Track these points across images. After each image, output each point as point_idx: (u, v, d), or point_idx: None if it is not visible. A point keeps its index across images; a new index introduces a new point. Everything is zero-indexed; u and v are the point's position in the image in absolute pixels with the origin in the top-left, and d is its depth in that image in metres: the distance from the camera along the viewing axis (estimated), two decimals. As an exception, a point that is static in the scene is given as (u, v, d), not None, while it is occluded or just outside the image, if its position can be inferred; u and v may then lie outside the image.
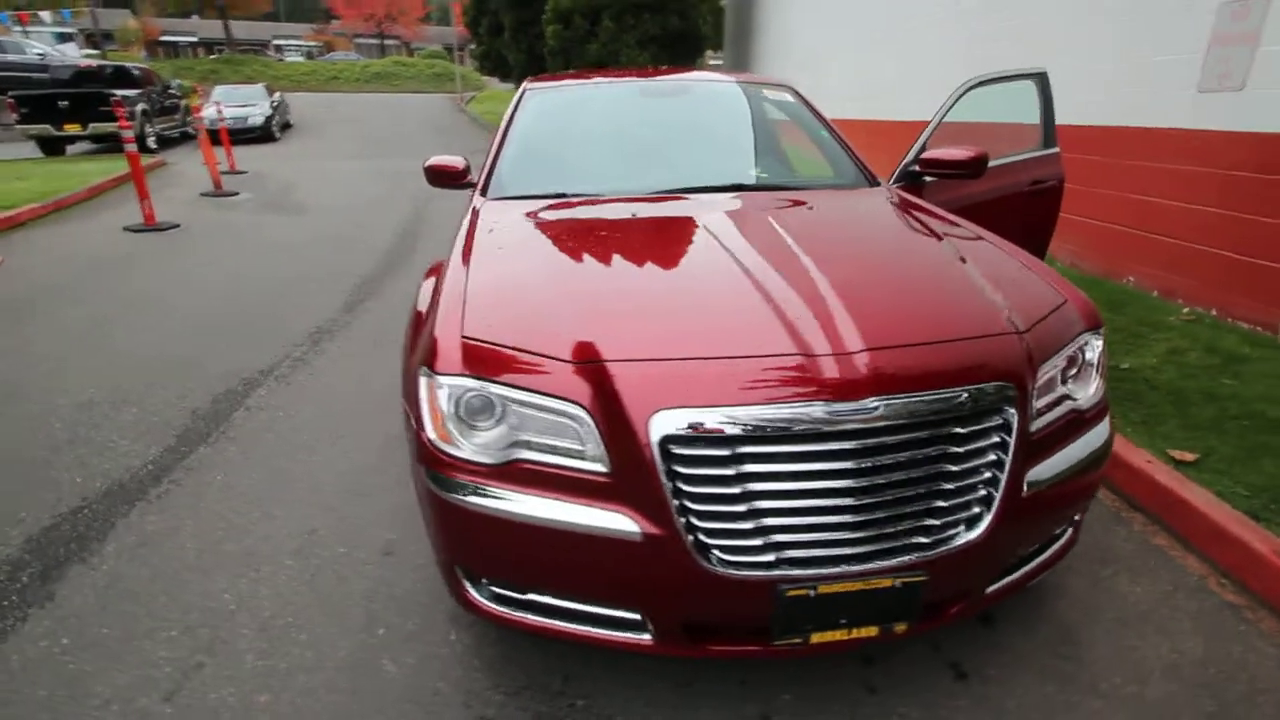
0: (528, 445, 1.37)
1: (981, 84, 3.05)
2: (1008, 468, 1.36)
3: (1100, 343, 1.64)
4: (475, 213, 2.28)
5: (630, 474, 1.28)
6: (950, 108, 2.97)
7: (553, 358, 1.38)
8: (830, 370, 1.30)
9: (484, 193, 2.47)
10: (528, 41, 16.73)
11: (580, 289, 1.64)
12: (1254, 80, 3.30)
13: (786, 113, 3.01)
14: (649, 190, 2.38)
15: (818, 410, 1.26)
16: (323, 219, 7.41)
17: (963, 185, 2.86)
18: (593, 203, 2.31)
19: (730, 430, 1.26)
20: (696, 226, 2.04)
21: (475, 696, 1.61)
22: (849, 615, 1.34)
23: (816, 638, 1.35)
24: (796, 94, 3.05)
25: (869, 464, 1.28)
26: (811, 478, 1.28)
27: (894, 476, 1.30)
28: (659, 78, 3.00)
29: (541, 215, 2.20)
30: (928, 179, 2.78)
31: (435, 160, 2.62)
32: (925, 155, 2.66)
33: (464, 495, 1.39)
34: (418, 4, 47.18)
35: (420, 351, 1.52)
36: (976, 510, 1.36)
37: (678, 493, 1.27)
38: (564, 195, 2.36)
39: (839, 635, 1.36)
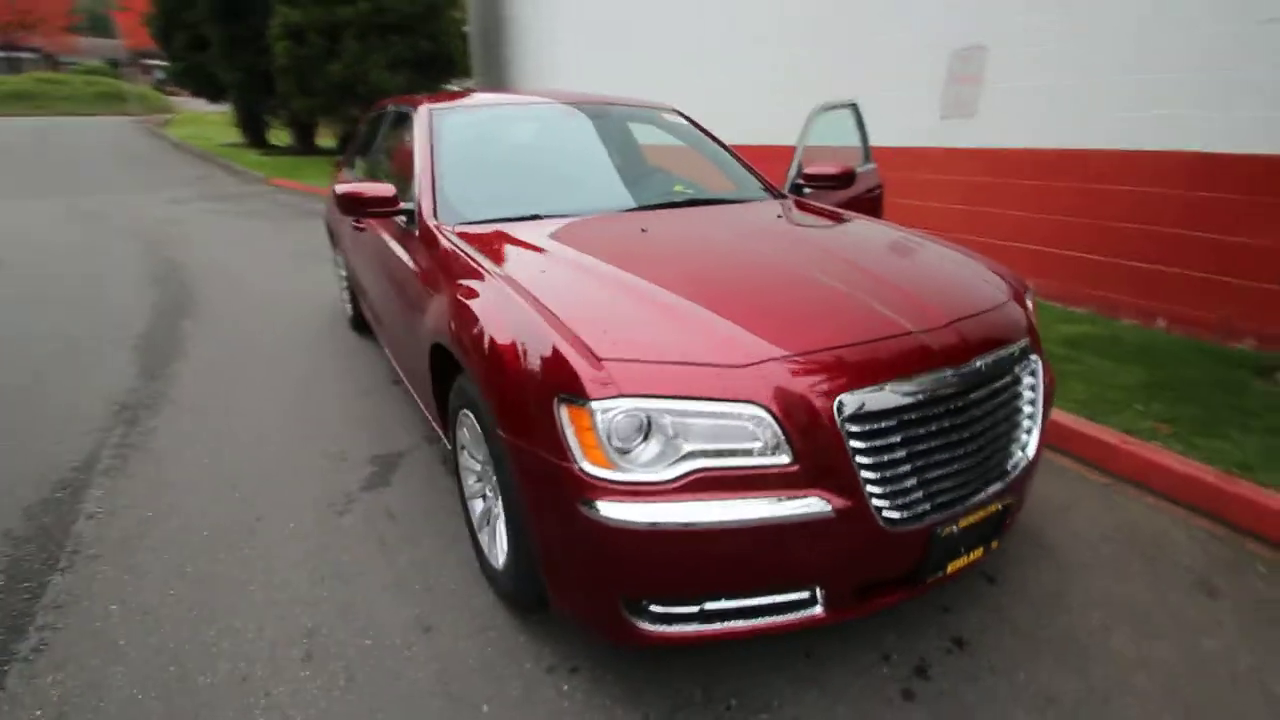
0: (701, 454, 1.37)
1: (824, 110, 3.65)
2: (1040, 399, 1.75)
3: (1031, 302, 2.15)
4: (447, 238, 2.12)
5: (817, 458, 1.37)
6: (807, 131, 3.51)
7: (714, 364, 1.41)
8: (939, 342, 1.54)
9: (435, 216, 2.28)
10: (247, 58, 14.78)
11: (668, 300, 1.65)
12: (982, 109, 4.43)
13: (683, 134, 3.26)
14: (617, 208, 2.44)
15: (948, 374, 1.50)
16: (35, 273, 5.82)
17: (830, 194, 3.40)
18: (581, 221, 2.29)
19: (894, 402, 1.43)
20: (717, 236, 2.16)
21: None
22: (968, 543, 1.59)
23: (950, 567, 1.59)
24: (686, 117, 3.32)
25: (979, 412, 1.55)
26: (944, 432, 1.51)
27: (994, 418, 1.59)
28: (563, 101, 3.03)
29: (548, 234, 2.12)
30: (807, 190, 3.26)
31: (351, 187, 2.33)
32: (807, 171, 3.12)
33: (638, 517, 1.34)
34: (60, 10, 38.40)
35: (548, 381, 1.42)
36: (1027, 437, 1.72)
37: (860, 466, 1.40)
38: (538, 216, 2.30)
39: (962, 561, 1.61)
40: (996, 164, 4.38)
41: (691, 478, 1.36)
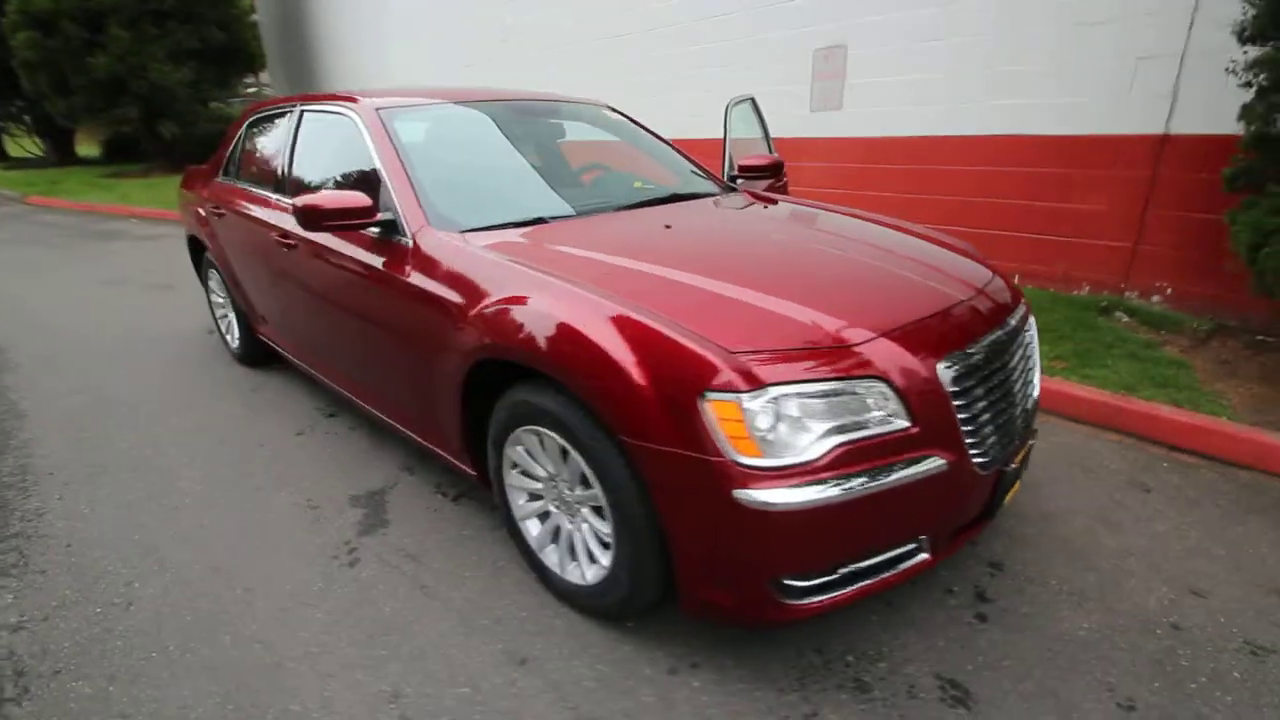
0: (838, 430, 1.45)
1: (737, 103, 3.86)
2: (1036, 346, 2.06)
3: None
4: (457, 248, 1.98)
5: (930, 420, 1.51)
6: (729, 125, 3.69)
7: (831, 347, 1.50)
8: (984, 306, 1.77)
9: (433, 226, 2.10)
10: (-30, 50, 11.98)
11: (745, 294, 1.66)
12: (850, 102, 4.94)
13: (620, 130, 3.26)
14: (609, 207, 2.41)
15: (1000, 333, 1.73)
16: None
17: (759, 183, 3.62)
18: (597, 222, 2.25)
19: (975, 361, 1.62)
20: (733, 229, 2.27)
21: (782, 705, 1.59)
22: (1017, 475, 1.85)
23: (1007, 498, 1.83)
24: (620, 112, 3.34)
25: (1015, 361, 1.80)
26: (1002, 383, 1.73)
27: (1023, 365, 1.85)
28: (498, 99, 2.88)
29: (575, 237, 2.08)
30: (740, 181, 3.44)
31: (313, 199, 2.08)
32: (741, 163, 3.30)
33: (793, 498, 1.40)
34: None
35: (689, 380, 1.41)
36: (1035, 377, 2.02)
37: (960, 422, 1.57)
38: (542, 219, 2.21)
39: (1012, 492, 1.86)
40: (870, 151, 4.91)
41: (834, 454, 1.44)
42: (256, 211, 2.99)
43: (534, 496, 1.97)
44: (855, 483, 1.44)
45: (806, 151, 5.21)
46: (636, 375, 1.47)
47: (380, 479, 2.63)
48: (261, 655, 1.79)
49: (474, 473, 2.15)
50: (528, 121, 2.89)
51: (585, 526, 1.81)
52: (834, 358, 1.49)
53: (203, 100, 12.07)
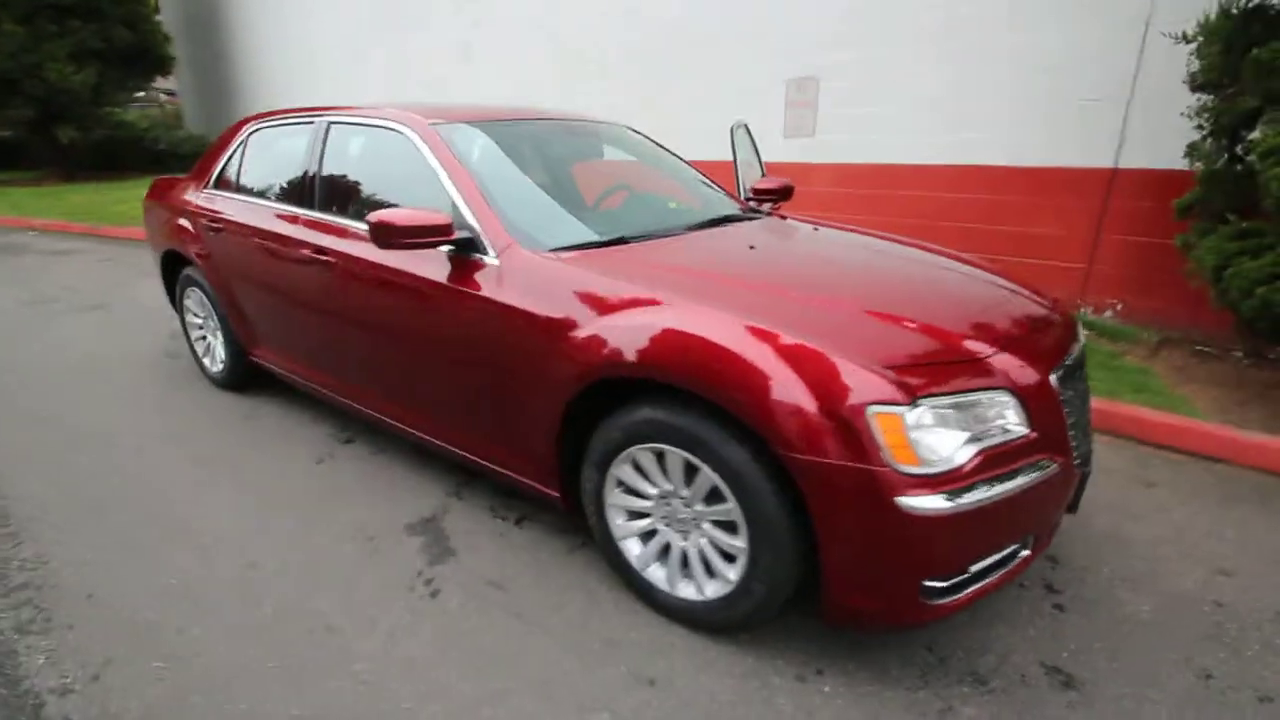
0: (977, 438, 1.56)
1: (738, 126, 4.00)
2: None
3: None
4: (556, 267, 1.97)
5: (1046, 425, 1.65)
6: (735, 148, 3.82)
7: (965, 361, 1.61)
8: (1066, 322, 1.96)
9: (521, 243, 2.07)
10: None
11: (863, 314, 1.75)
12: (823, 130, 5.22)
13: (644, 150, 3.31)
14: (678, 227, 2.45)
15: (1081, 344, 1.91)
16: None
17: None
18: (684, 242, 2.32)
19: (1069, 367, 1.79)
20: (810, 251, 2.41)
21: (916, 703, 1.66)
22: (1088, 474, 2.02)
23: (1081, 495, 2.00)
24: (641, 133, 3.39)
25: (1084, 371, 2.00)
26: (1082, 390, 1.91)
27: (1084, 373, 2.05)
28: (531, 117, 2.86)
29: (671, 255, 2.13)
30: (752, 204, 3.57)
31: (400, 217, 2.02)
32: (754, 186, 3.44)
33: (947, 503, 1.49)
34: None
35: (857, 395, 1.48)
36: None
37: (1067, 427, 1.72)
38: (624, 239, 2.22)
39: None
40: (841, 177, 5.20)
41: (975, 460, 1.54)
42: (273, 226, 2.81)
43: (635, 515, 1.97)
44: (996, 487, 1.55)
45: (779, 175, 5.44)
46: (798, 391, 1.52)
47: (428, 505, 2.52)
48: (378, 698, 1.69)
49: (555, 493, 2.12)
50: (570, 141, 2.90)
51: (704, 542, 1.83)
52: (969, 371, 1.60)
53: (104, 104, 11.08)
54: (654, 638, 1.88)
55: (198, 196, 3.31)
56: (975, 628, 1.93)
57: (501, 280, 2.03)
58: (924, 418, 1.50)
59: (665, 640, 1.87)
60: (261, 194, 3.00)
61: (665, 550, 1.93)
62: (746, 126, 4.35)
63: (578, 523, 2.34)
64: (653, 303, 1.78)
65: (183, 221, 3.35)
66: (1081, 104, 4.04)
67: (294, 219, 2.74)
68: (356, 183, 2.66)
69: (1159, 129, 3.76)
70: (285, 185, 2.88)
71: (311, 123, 2.81)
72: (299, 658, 1.81)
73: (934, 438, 1.51)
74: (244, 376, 3.43)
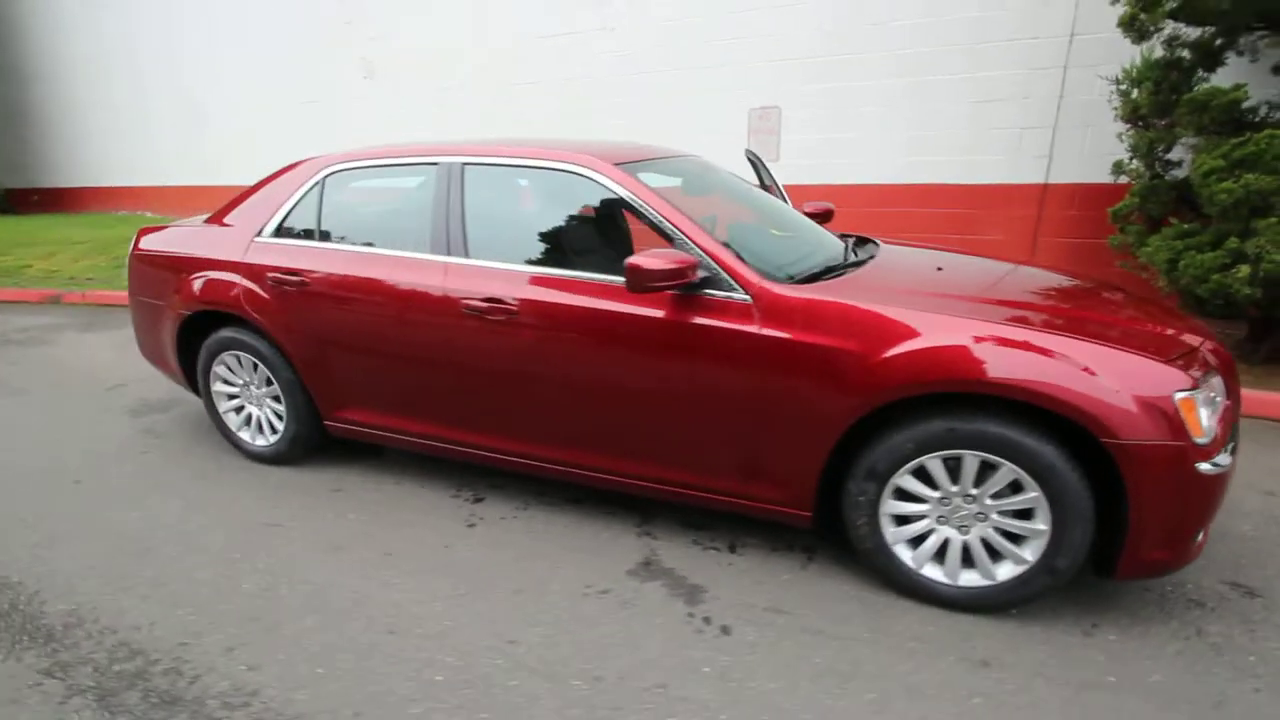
0: (1212, 412, 1.95)
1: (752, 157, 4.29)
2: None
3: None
4: (828, 300, 2.12)
5: (1234, 398, 2.10)
6: (760, 172, 4.10)
7: (1196, 351, 2.01)
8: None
9: (772, 277, 2.18)
10: None
11: (1089, 318, 2.12)
12: (788, 155, 5.69)
13: (728, 180, 3.44)
14: (839, 255, 2.65)
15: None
16: None
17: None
18: (884, 268, 2.53)
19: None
20: (985, 267, 2.69)
21: (1177, 638, 2.00)
22: None
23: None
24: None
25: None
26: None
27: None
28: (675, 155, 2.92)
29: (894, 279, 2.40)
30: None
31: (651, 261, 2.05)
32: (806, 210, 3.76)
33: (1225, 462, 1.87)
34: None
35: (1168, 385, 1.80)
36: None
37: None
38: (834, 268, 2.39)
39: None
40: (802, 196, 5.69)
41: (1220, 429, 1.94)
42: (398, 277, 2.57)
43: (903, 520, 2.14)
44: (1229, 447, 1.96)
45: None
46: (1117, 386, 1.81)
47: (630, 548, 2.48)
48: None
49: (808, 513, 2.23)
50: (705, 176, 2.98)
51: (991, 531, 2.05)
52: (1201, 360, 2.00)
53: None
54: (950, 627, 2.07)
55: (252, 249, 2.89)
56: (1107, 607, 2.22)
57: (761, 314, 2.10)
58: (1201, 397, 1.86)
59: (960, 628, 2.06)
60: (366, 243, 2.72)
61: (939, 548, 2.13)
62: (757, 154, 4.67)
63: (792, 540, 2.46)
64: (935, 324, 1.98)
65: (231, 277, 2.90)
66: (1020, 130, 4.88)
67: (438, 268, 2.53)
68: (531, 227, 2.53)
69: (1078, 152, 4.67)
70: (406, 233, 2.64)
71: (435, 164, 2.62)
72: (652, 710, 1.75)
73: (1204, 414, 1.87)
74: (307, 446, 3.05)
